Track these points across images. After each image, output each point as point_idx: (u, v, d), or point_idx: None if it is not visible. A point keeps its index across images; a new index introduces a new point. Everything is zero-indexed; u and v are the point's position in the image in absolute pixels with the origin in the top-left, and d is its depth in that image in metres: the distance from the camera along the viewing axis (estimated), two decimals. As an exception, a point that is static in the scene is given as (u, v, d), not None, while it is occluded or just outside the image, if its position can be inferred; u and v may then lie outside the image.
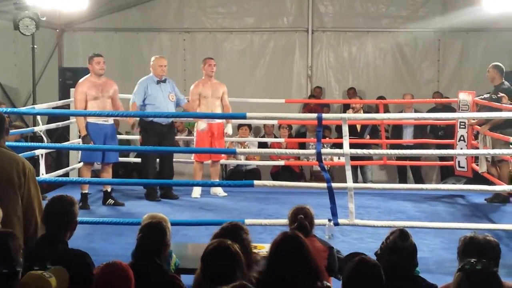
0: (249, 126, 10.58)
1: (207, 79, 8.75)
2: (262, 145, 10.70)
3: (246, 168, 10.29)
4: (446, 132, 10.16)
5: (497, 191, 7.65)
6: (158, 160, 8.73)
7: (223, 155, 9.10)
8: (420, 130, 10.19)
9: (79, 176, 8.30)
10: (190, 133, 11.35)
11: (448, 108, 10.36)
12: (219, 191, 8.70)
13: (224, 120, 8.75)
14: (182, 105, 8.74)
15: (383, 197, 8.44)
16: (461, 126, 8.42)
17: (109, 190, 8.16)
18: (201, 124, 8.62)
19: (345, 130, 6.37)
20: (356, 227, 6.46)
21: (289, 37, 12.51)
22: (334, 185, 6.27)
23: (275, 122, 10.27)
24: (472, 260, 3.14)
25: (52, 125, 8.66)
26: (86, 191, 7.96)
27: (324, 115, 6.72)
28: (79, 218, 6.47)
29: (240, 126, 10.37)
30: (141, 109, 8.36)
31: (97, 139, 7.80)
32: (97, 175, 9.18)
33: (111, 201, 8.09)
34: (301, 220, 4.48)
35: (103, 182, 8.07)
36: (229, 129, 8.82)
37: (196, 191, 8.61)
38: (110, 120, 7.98)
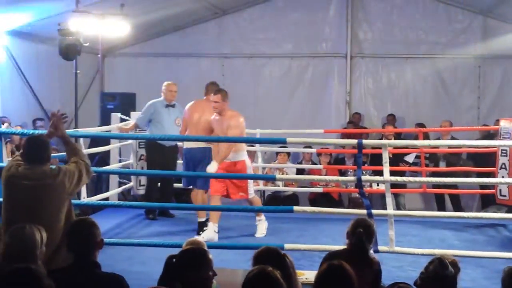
0: (288, 153, 10.58)
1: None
2: (300, 171, 10.68)
3: (284, 194, 10.27)
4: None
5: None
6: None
7: (241, 194, 7.74)
8: (456, 157, 10.06)
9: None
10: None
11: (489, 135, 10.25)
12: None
13: (244, 158, 7.77)
14: None
15: (423, 224, 8.35)
16: (503, 154, 8.29)
17: (203, 219, 7.87)
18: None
19: (385, 156, 6.33)
20: (396, 254, 6.40)
21: (327, 63, 12.53)
22: (374, 212, 6.23)
23: (313, 150, 10.26)
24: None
25: (94, 150, 8.76)
26: (203, 219, 7.90)
27: (365, 141, 6.72)
28: (119, 240, 6.65)
29: (278, 152, 10.39)
30: (148, 130, 8.69)
31: (187, 164, 8.03)
32: (136, 199, 9.30)
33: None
34: (360, 234, 4.40)
35: (138, 206, 8.12)
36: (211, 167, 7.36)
37: (261, 229, 7.94)
38: (200, 144, 7.90)
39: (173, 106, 8.73)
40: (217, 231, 7.57)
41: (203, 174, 7.46)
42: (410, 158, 9.82)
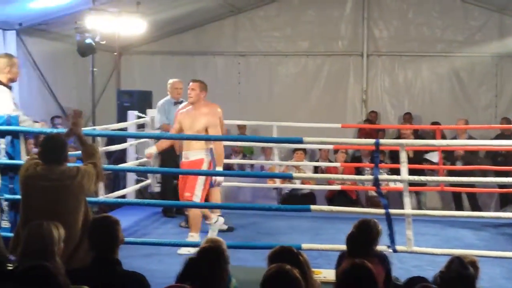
0: (304, 150, 10.55)
1: (190, 105, 7.44)
2: (317, 169, 10.65)
3: (301, 192, 10.24)
4: (506, 158, 9.93)
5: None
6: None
7: (186, 194, 7.13)
8: (474, 156, 10.00)
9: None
10: (245, 156, 11.43)
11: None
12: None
13: (203, 157, 7.19)
14: None
15: (440, 223, 8.31)
16: (521, 153, 8.25)
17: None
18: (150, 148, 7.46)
19: (403, 156, 6.29)
20: (414, 254, 6.36)
21: (343, 61, 12.52)
22: (391, 211, 6.19)
23: (330, 147, 10.21)
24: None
25: (111, 147, 8.76)
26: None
27: (382, 141, 6.66)
28: (137, 239, 6.67)
29: (295, 150, 10.36)
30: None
31: None
32: (153, 197, 9.32)
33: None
34: (352, 233, 4.55)
35: (156, 204, 8.13)
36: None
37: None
38: None
39: (180, 103, 8.68)
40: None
41: (220, 172, 7.44)
42: (434, 158, 9.71)
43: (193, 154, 7.16)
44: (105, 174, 5.23)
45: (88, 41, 9.14)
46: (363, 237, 4.56)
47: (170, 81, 8.92)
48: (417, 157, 9.73)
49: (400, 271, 5.98)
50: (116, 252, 3.91)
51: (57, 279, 3.14)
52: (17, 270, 3.50)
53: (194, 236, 7.05)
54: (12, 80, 6.46)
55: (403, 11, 12.33)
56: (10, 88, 6.38)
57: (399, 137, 10.78)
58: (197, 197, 7.07)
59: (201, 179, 7.07)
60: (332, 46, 12.55)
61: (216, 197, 8.13)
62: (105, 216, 4.19)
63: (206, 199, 8.20)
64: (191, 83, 7.35)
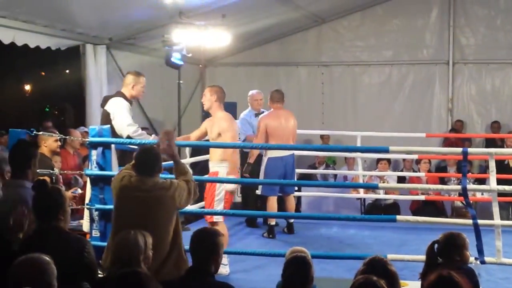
0: (388, 160, 10.47)
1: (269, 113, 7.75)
2: (401, 179, 10.54)
3: (385, 202, 10.15)
4: None
5: None
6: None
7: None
8: None
9: (268, 209, 8.20)
10: (328, 166, 11.40)
11: None
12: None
13: (217, 170, 6.79)
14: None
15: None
16: None
17: (273, 223, 8.23)
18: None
19: (492, 165, 6.16)
20: (502, 266, 6.21)
21: (428, 70, 12.36)
22: (480, 222, 6.06)
23: (415, 156, 10.08)
24: None
25: (198, 158, 8.87)
26: (274, 223, 8.21)
27: (470, 150, 6.54)
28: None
29: (379, 160, 10.28)
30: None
31: (276, 171, 8.04)
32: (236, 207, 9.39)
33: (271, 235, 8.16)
34: (432, 244, 4.50)
35: (240, 214, 8.19)
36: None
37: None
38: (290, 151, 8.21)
39: (261, 114, 8.80)
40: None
41: (305, 183, 7.47)
42: None
43: (212, 165, 6.85)
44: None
45: (174, 54, 9.32)
46: (446, 249, 4.46)
47: (250, 93, 9.07)
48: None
49: (488, 283, 5.86)
50: (210, 264, 3.90)
51: (149, 285, 3.20)
52: (110, 277, 3.60)
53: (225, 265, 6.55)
54: (134, 97, 6.71)
55: (491, 18, 12.06)
56: (131, 103, 6.62)
57: (487, 146, 10.53)
58: (216, 218, 6.71)
59: (217, 195, 6.71)
60: (417, 54, 12.40)
61: (291, 205, 8.21)
62: (204, 228, 4.25)
63: (282, 208, 8.29)
64: (206, 89, 6.99)
